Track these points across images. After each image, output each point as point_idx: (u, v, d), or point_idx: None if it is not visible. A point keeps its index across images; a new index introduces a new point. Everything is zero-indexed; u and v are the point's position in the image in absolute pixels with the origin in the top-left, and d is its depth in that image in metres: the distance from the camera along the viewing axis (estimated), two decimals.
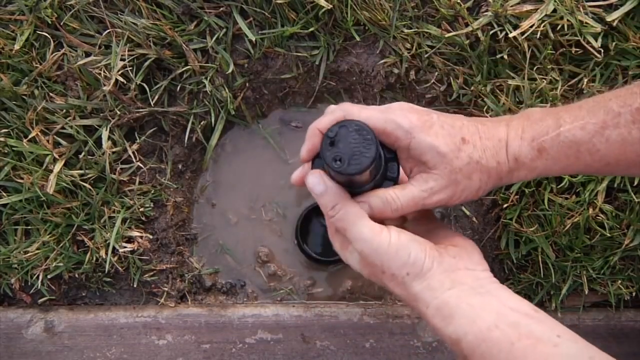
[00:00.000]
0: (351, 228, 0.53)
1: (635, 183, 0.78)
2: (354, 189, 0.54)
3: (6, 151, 0.81)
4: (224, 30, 0.83)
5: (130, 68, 0.81)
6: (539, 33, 0.78)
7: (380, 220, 0.55)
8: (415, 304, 0.53)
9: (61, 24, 0.82)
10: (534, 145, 0.52)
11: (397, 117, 0.52)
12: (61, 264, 0.83)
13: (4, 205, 0.82)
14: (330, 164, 0.50)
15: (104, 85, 0.80)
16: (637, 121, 0.49)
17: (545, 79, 0.80)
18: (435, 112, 0.54)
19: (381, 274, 0.54)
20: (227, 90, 0.85)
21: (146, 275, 0.87)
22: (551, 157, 0.52)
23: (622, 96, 0.50)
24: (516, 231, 0.83)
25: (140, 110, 0.83)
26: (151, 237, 0.87)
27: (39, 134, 0.81)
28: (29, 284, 0.85)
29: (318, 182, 0.55)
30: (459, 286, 0.52)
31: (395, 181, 0.56)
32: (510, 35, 0.79)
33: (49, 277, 0.84)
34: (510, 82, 0.80)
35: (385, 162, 0.55)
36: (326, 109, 0.57)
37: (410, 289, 0.53)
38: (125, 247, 0.84)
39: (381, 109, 0.54)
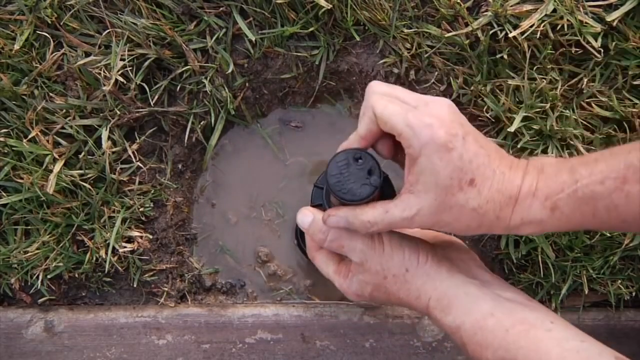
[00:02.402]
0: (346, 242, 0.55)
1: None
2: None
3: (6, 151, 0.81)
4: (224, 30, 0.83)
5: (130, 68, 0.81)
6: (538, 33, 0.78)
7: None
8: (418, 301, 0.54)
9: (61, 23, 0.82)
10: (547, 204, 0.47)
11: (419, 126, 0.47)
12: (61, 264, 0.83)
13: (4, 205, 0.82)
14: (332, 189, 0.51)
15: (104, 85, 0.80)
16: None
17: (545, 78, 0.80)
18: (466, 131, 0.48)
19: (383, 280, 0.55)
20: (227, 90, 0.85)
21: (146, 275, 0.87)
22: (565, 215, 0.48)
23: None
24: None
25: (140, 110, 0.83)
26: (151, 237, 0.87)
27: (39, 134, 0.81)
28: (29, 284, 0.85)
29: (305, 215, 0.58)
30: (455, 275, 0.54)
31: (391, 197, 0.58)
32: (510, 35, 0.79)
33: (48, 277, 0.84)
34: (510, 82, 0.80)
35: (385, 180, 0.56)
36: (370, 85, 0.52)
37: (412, 285, 0.54)
38: (125, 247, 0.84)
39: (414, 103, 0.49)
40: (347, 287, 0.58)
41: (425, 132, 0.46)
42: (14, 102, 0.82)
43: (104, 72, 0.81)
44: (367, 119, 0.50)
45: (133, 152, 0.84)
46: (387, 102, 0.49)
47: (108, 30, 0.81)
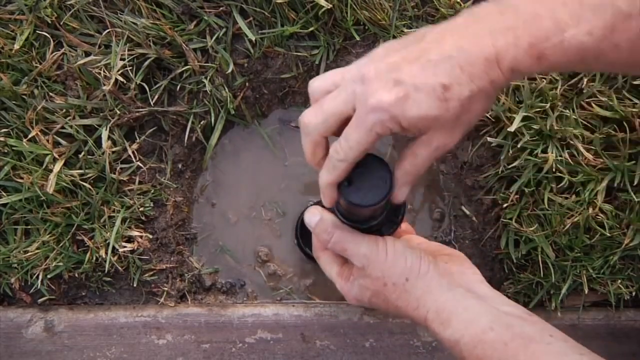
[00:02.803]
0: (350, 246, 0.55)
1: (635, 182, 0.78)
2: (357, 224, 0.56)
3: (6, 151, 0.81)
4: (224, 29, 0.83)
5: (130, 68, 0.81)
6: None
7: None
8: (416, 312, 0.54)
9: (61, 23, 0.82)
10: (533, 52, 0.44)
11: (373, 114, 0.45)
12: (61, 264, 0.83)
13: (4, 205, 0.82)
14: (342, 193, 0.51)
15: (104, 84, 0.80)
16: None
17: (545, 78, 0.80)
18: (399, 65, 0.45)
19: (383, 287, 0.54)
20: (226, 89, 0.85)
21: (146, 275, 0.87)
22: (552, 63, 0.45)
23: None
24: (516, 231, 0.83)
25: (140, 109, 0.83)
26: (151, 236, 0.87)
27: (39, 133, 0.81)
28: (29, 283, 0.85)
29: (313, 214, 0.57)
30: (455, 288, 0.53)
31: (398, 224, 0.58)
32: None
33: (48, 276, 0.84)
34: None
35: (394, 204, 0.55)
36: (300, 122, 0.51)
37: (411, 295, 0.54)
38: (125, 246, 0.84)
39: (350, 105, 0.47)
40: (348, 290, 0.58)
41: (383, 113, 0.45)
42: (14, 102, 0.82)
43: (104, 71, 0.81)
44: (336, 168, 0.50)
45: (133, 152, 0.84)
46: (341, 142, 0.48)
47: (108, 30, 0.81)
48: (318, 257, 0.61)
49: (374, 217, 0.55)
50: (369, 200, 0.50)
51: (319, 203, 0.59)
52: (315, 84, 0.51)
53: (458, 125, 0.47)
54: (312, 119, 0.50)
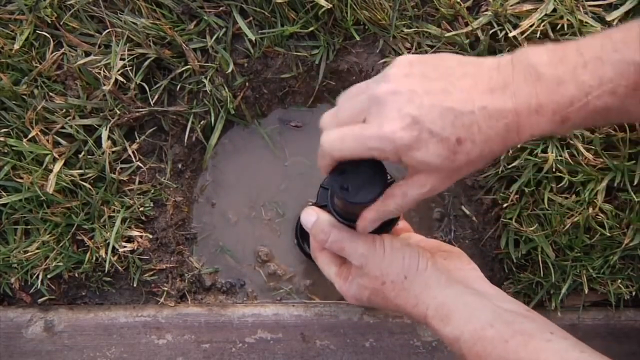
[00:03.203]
0: (348, 245, 0.55)
1: (635, 182, 0.78)
2: (354, 222, 0.56)
3: (6, 151, 0.81)
4: (224, 29, 0.83)
5: (130, 68, 0.81)
6: (538, 32, 0.78)
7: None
8: (416, 309, 0.54)
9: (61, 23, 0.82)
10: (556, 118, 0.43)
11: (378, 140, 0.45)
12: (61, 264, 0.83)
13: (4, 205, 0.82)
14: (337, 190, 0.50)
15: (104, 84, 0.80)
16: None
17: None
18: (419, 96, 0.45)
19: (381, 285, 0.54)
20: (226, 89, 0.85)
21: (146, 275, 0.87)
22: (576, 124, 0.44)
23: None
24: (516, 230, 0.83)
25: (140, 109, 0.83)
26: (151, 236, 0.87)
27: (39, 133, 0.81)
28: (29, 283, 0.85)
29: (309, 214, 0.57)
30: (454, 285, 0.53)
31: (395, 222, 0.58)
32: (510, 34, 0.79)
33: (48, 276, 0.84)
34: None
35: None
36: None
37: (410, 293, 0.54)
38: (125, 246, 0.84)
39: (356, 118, 0.47)
40: (347, 290, 0.58)
41: (387, 144, 0.45)
42: (14, 102, 0.82)
43: (103, 71, 0.81)
44: (321, 156, 0.50)
45: (133, 152, 0.84)
46: (336, 137, 0.48)
47: (108, 30, 0.81)
48: (316, 258, 0.61)
49: None
50: (364, 198, 0.50)
51: (316, 203, 0.60)
52: (343, 95, 0.51)
53: (455, 175, 0.48)
54: (328, 124, 0.51)
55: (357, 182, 0.50)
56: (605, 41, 0.43)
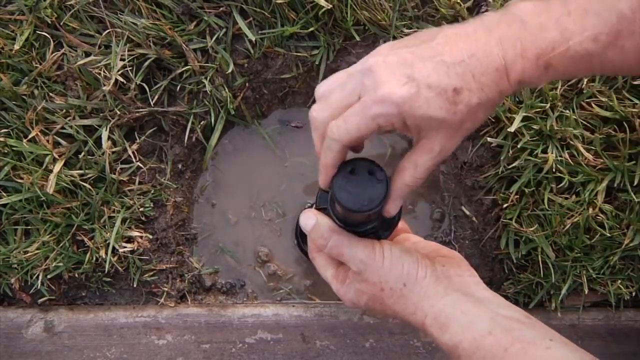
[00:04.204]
0: (347, 251, 0.54)
1: (635, 183, 0.78)
2: (353, 227, 0.56)
3: (6, 151, 0.81)
4: (224, 30, 0.83)
5: (130, 68, 0.81)
6: None
7: None
8: (414, 317, 0.54)
9: (61, 23, 0.82)
10: (540, 63, 0.45)
11: (380, 104, 0.45)
12: (61, 264, 0.83)
13: (4, 205, 0.82)
14: (339, 198, 0.50)
15: (104, 85, 0.80)
16: None
17: None
18: (411, 62, 0.46)
19: (380, 291, 0.54)
20: (227, 90, 0.85)
21: (146, 275, 0.87)
22: (559, 72, 0.46)
23: None
24: (516, 231, 0.83)
25: (140, 110, 0.83)
26: (151, 237, 0.87)
27: (39, 133, 0.81)
28: (29, 283, 0.85)
29: (309, 217, 0.56)
30: (452, 293, 0.53)
31: (394, 227, 0.58)
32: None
33: (48, 277, 0.84)
34: None
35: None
36: (310, 113, 0.51)
37: (408, 300, 0.54)
38: (125, 247, 0.84)
39: (353, 95, 0.47)
40: (344, 293, 0.58)
41: (389, 105, 0.45)
42: (14, 102, 0.82)
43: (104, 72, 0.81)
44: (329, 148, 0.49)
45: (133, 152, 0.84)
46: (340, 123, 0.48)
47: (108, 30, 0.81)
48: (313, 259, 0.60)
49: (370, 221, 0.55)
50: (365, 206, 0.50)
51: (321, 209, 0.59)
52: (322, 87, 0.51)
53: (460, 131, 0.48)
54: (320, 112, 0.50)
55: (358, 189, 0.50)
56: None
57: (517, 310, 0.53)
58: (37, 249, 0.82)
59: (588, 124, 0.81)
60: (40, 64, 0.82)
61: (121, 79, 0.81)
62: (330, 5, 0.80)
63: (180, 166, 0.90)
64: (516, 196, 0.82)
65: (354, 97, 0.47)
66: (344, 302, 0.58)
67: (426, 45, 0.46)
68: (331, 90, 0.50)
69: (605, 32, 0.43)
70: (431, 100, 0.45)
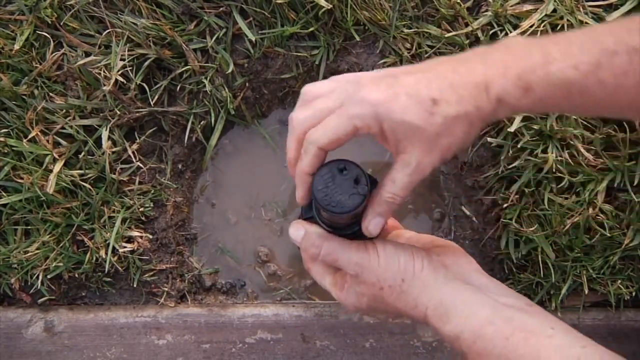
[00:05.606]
0: (341, 256, 0.54)
1: (635, 183, 0.78)
2: (341, 231, 0.56)
3: (6, 151, 0.81)
4: (224, 30, 0.83)
5: (130, 68, 0.81)
6: (539, 33, 0.78)
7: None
8: (415, 311, 0.54)
9: (61, 23, 0.82)
10: (520, 83, 0.46)
11: (358, 104, 0.47)
12: (61, 264, 0.83)
13: (4, 205, 0.82)
14: (321, 202, 0.51)
15: (104, 85, 0.80)
16: (634, 62, 0.44)
17: None
18: (396, 75, 0.49)
19: (380, 291, 0.54)
20: (227, 90, 0.85)
21: (146, 275, 0.87)
22: (538, 97, 0.46)
23: (617, 32, 0.45)
24: (516, 231, 0.83)
25: (140, 110, 0.83)
26: (151, 237, 0.87)
27: (39, 133, 0.81)
28: (29, 283, 0.85)
29: (297, 228, 0.57)
30: (452, 282, 0.53)
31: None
32: (510, 35, 0.78)
33: (48, 277, 0.84)
34: None
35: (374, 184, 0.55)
36: (290, 117, 0.53)
37: (409, 295, 0.53)
38: (125, 247, 0.84)
39: (338, 102, 0.49)
40: (345, 299, 0.57)
41: (366, 108, 0.47)
42: (14, 102, 0.82)
43: (104, 72, 0.81)
44: (307, 152, 0.51)
45: (133, 152, 0.84)
46: (319, 128, 0.49)
47: (108, 30, 0.81)
48: (309, 269, 0.60)
49: (357, 222, 0.55)
50: (347, 207, 0.50)
51: (308, 219, 0.59)
52: (310, 92, 0.52)
53: (437, 146, 0.48)
54: (301, 114, 0.51)
55: (338, 191, 0.50)
56: (578, 32, 0.47)
57: (518, 297, 0.53)
58: (37, 249, 0.82)
59: (588, 124, 0.81)
60: (40, 64, 0.82)
61: (121, 79, 0.81)
62: (330, 5, 0.80)
63: (180, 166, 0.90)
64: (516, 196, 0.82)
65: (337, 104, 0.49)
66: (347, 308, 0.58)
67: (414, 66, 0.50)
68: (317, 96, 0.52)
69: (586, 61, 0.45)
70: (408, 106, 0.46)
